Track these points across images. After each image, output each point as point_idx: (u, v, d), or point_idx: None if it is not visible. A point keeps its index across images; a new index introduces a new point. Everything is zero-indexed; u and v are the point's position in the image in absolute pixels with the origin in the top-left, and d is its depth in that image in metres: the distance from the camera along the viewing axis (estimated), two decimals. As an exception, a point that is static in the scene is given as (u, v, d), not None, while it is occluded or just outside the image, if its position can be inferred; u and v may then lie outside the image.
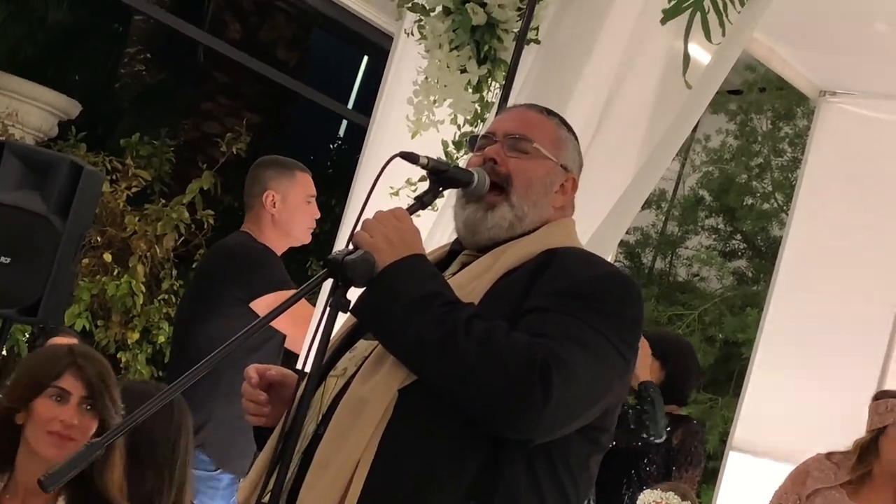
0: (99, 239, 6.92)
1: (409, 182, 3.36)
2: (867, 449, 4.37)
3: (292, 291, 2.03)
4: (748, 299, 8.54)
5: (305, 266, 8.32)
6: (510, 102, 3.27)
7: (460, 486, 1.92)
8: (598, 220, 3.29)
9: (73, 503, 2.62)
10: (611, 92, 3.47)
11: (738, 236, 9.51)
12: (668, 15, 3.33)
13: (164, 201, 7.35)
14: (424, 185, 2.18)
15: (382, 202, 2.19)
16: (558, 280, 2.03)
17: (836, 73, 5.28)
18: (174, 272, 7.10)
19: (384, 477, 1.91)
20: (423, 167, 2.11)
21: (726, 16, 3.34)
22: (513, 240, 2.15)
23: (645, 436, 4.36)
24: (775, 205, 8.97)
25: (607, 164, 3.38)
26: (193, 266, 6.52)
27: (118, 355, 6.91)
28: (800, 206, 5.45)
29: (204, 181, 7.27)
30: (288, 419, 1.96)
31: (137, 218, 7.03)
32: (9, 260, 3.36)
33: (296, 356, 3.76)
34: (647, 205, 9.05)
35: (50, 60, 9.20)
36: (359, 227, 2.02)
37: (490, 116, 3.45)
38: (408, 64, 3.72)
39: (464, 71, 3.47)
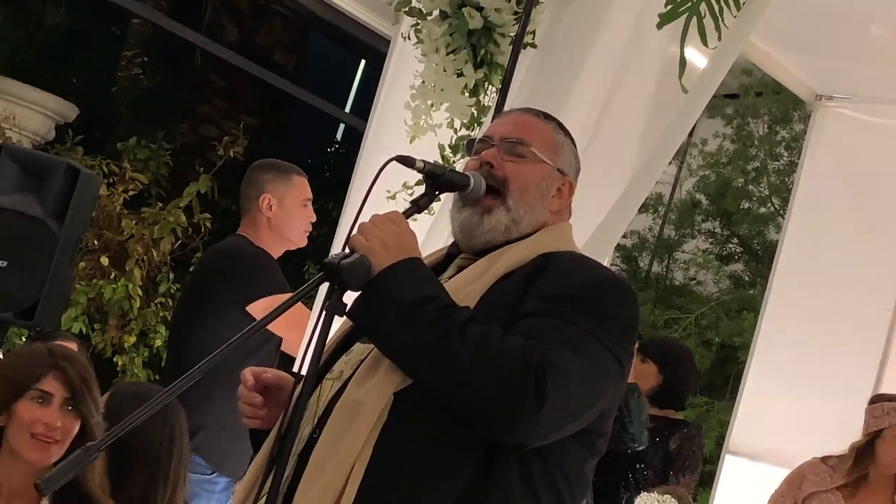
0: (96, 242, 6.92)
1: (405, 186, 3.36)
2: (863, 452, 4.38)
3: (289, 295, 2.03)
4: (744, 303, 8.55)
5: (303, 270, 8.32)
6: (507, 106, 3.28)
7: (455, 490, 1.92)
8: (595, 223, 3.30)
9: (57, 502, 2.61)
10: (607, 96, 3.47)
11: (735, 240, 9.53)
12: (665, 19, 3.33)
13: (161, 205, 7.35)
14: (421, 189, 2.19)
15: (379, 206, 2.19)
16: (554, 284, 2.03)
17: (833, 77, 5.29)
18: (171, 276, 7.10)
19: (379, 480, 1.91)
20: (420, 171, 2.11)
21: (722, 20, 3.35)
22: (509, 243, 2.15)
23: (624, 446, 4.35)
24: (772, 208, 8.99)
25: (604, 168, 3.38)
26: (190, 269, 6.52)
27: (115, 359, 6.90)
28: (796, 210, 5.46)
29: (201, 185, 7.27)
30: (284, 422, 1.96)
31: (134, 221, 7.03)
32: (5, 263, 3.35)
33: (292, 359, 3.76)
34: (643, 208, 9.07)
35: (47, 64, 9.20)
36: (355, 231, 2.02)
37: (487, 120, 3.45)
38: (405, 68, 3.73)
39: (460, 75, 3.48)
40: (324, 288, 1.99)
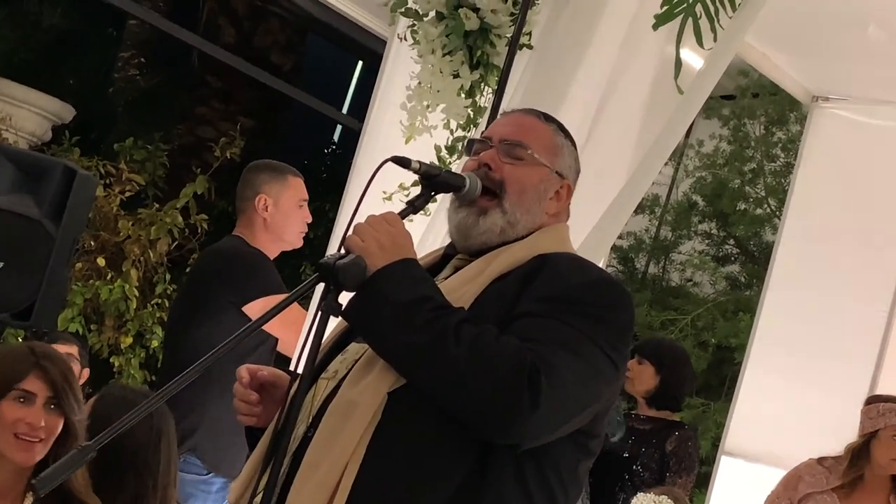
0: (92, 243, 6.92)
1: (401, 187, 3.36)
2: (859, 453, 4.39)
3: (285, 296, 2.03)
4: (741, 304, 8.55)
5: (299, 270, 8.32)
6: (502, 107, 3.28)
7: (448, 490, 1.92)
8: (591, 224, 3.30)
9: (41, 501, 2.61)
10: (603, 96, 3.48)
11: (731, 241, 9.54)
12: (660, 20, 3.34)
13: (157, 206, 7.35)
14: (417, 190, 2.19)
15: (375, 207, 2.20)
16: (549, 285, 2.03)
17: (829, 79, 5.30)
18: (168, 276, 7.10)
19: (372, 480, 1.91)
20: (415, 171, 2.11)
21: (718, 21, 3.35)
22: (505, 245, 2.15)
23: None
24: (768, 210, 9.00)
25: (599, 169, 3.38)
26: (187, 270, 6.52)
27: (111, 360, 6.90)
28: (792, 211, 5.46)
29: (198, 186, 7.27)
30: (280, 420, 1.96)
31: (131, 222, 7.03)
32: (2, 264, 3.36)
33: (288, 360, 3.76)
34: (640, 210, 9.08)
35: (44, 65, 9.20)
36: (350, 232, 2.02)
37: (482, 121, 3.46)
38: (401, 69, 3.73)
39: (456, 76, 3.48)
40: (320, 288, 2.00)
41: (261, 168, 4.13)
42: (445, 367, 1.89)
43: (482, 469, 1.94)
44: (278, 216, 4.04)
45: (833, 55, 4.97)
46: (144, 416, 2.72)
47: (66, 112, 8.44)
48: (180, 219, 7.13)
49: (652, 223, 9.71)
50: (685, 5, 3.30)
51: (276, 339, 3.92)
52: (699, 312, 8.70)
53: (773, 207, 8.91)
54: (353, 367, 2.03)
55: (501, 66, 3.41)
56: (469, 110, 3.53)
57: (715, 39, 3.39)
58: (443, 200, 2.94)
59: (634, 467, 4.67)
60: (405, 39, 3.62)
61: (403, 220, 2.08)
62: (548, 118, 2.30)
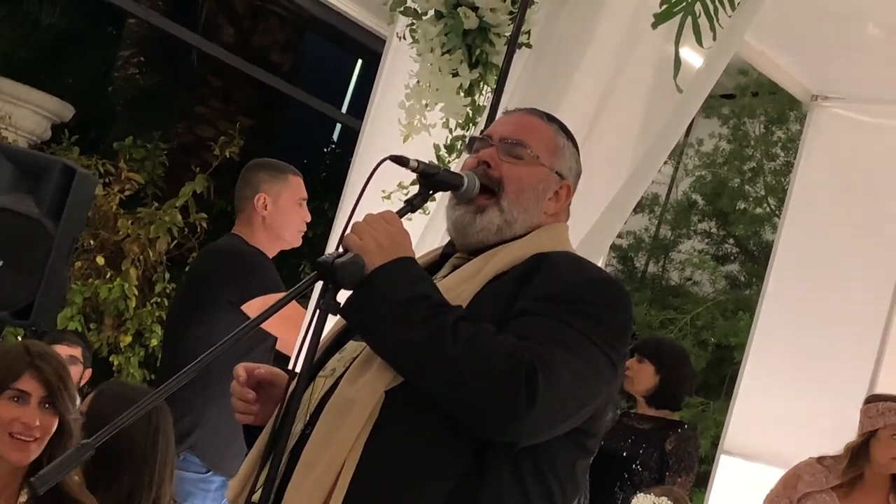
0: (92, 242, 6.93)
1: (400, 185, 3.36)
2: (858, 452, 4.38)
3: (283, 294, 2.03)
4: (740, 303, 8.55)
5: (298, 269, 8.33)
6: (501, 106, 3.28)
7: (445, 488, 1.93)
8: (590, 223, 3.30)
9: (35, 500, 2.61)
10: (602, 95, 3.48)
11: (731, 240, 9.54)
12: (660, 19, 3.34)
13: (156, 204, 7.36)
14: (416, 189, 2.19)
15: (374, 206, 2.20)
16: (547, 284, 2.03)
17: (828, 77, 5.29)
18: (167, 275, 7.10)
19: (369, 478, 1.91)
20: (413, 170, 2.11)
21: (717, 20, 3.35)
22: (503, 243, 2.15)
23: None
24: (768, 209, 9.00)
25: (599, 168, 3.38)
26: (186, 269, 6.52)
27: (111, 358, 6.91)
28: (792, 210, 5.46)
29: (197, 184, 7.28)
30: (277, 418, 1.96)
31: (130, 221, 7.04)
32: (1, 263, 3.36)
33: (287, 359, 3.76)
34: (640, 209, 9.09)
35: (43, 64, 9.21)
36: (349, 230, 2.02)
37: (481, 120, 3.46)
38: (400, 67, 3.73)
39: (455, 75, 3.48)
40: (318, 287, 2.00)
41: (260, 167, 4.12)
42: (443, 365, 1.90)
43: (479, 467, 1.94)
44: (277, 215, 4.04)
45: (832, 54, 4.97)
46: (143, 415, 2.74)
47: (65, 111, 8.44)
48: (179, 218, 7.14)
49: (651, 222, 9.71)
50: (684, 4, 3.30)
51: (275, 338, 3.92)
52: (699, 311, 8.70)
53: (772, 206, 8.91)
54: (350, 364, 2.03)
55: (500, 65, 3.41)
56: (468, 109, 3.53)
57: (714, 38, 3.39)
58: (442, 199, 2.94)
59: (634, 466, 4.66)
60: (404, 38, 3.63)
61: (402, 219, 2.08)
62: (550, 118, 2.30)
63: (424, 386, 1.94)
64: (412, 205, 2.15)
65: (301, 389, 1.94)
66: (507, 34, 3.43)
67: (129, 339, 6.89)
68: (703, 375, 8.40)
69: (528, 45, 3.48)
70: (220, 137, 7.76)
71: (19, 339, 5.94)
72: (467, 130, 3.54)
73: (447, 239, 2.29)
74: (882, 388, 4.86)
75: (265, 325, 3.37)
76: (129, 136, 8.11)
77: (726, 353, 8.36)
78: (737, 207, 9.14)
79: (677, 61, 3.36)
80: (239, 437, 2.26)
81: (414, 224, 2.49)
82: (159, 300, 6.97)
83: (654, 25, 3.35)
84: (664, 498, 4.00)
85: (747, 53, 5.00)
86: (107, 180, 7.18)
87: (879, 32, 4.54)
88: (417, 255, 2.12)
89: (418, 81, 3.52)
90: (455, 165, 3.45)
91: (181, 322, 3.99)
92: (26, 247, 3.38)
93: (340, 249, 2.00)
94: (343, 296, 1.97)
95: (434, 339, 1.90)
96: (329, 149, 12.27)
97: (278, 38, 11.07)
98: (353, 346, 2.07)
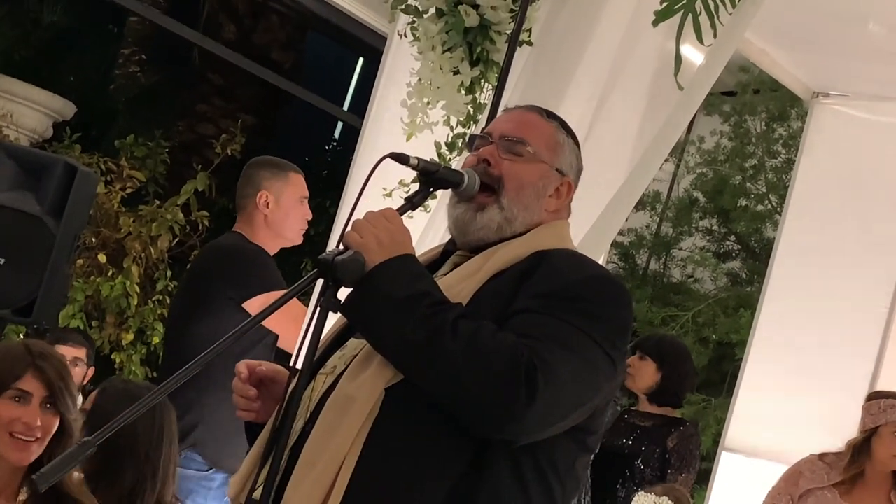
0: (93, 240, 6.93)
1: (402, 183, 3.36)
2: (859, 449, 4.39)
3: (284, 292, 2.03)
4: (742, 300, 8.55)
5: (300, 267, 8.33)
6: (502, 104, 3.28)
7: (445, 485, 1.93)
8: (591, 220, 3.30)
9: (35, 498, 2.61)
10: (603, 93, 3.48)
11: (732, 237, 9.53)
12: (660, 17, 3.34)
13: (158, 202, 7.35)
14: (417, 187, 2.19)
15: (375, 203, 2.20)
16: (547, 282, 2.03)
17: (829, 75, 5.30)
18: (169, 273, 7.10)
19: (369, 475, 1.92)
20: (414, 168, 2.11)
21: (718, 17, 3.36)
22: (503, 241, 2.15)
23: None
24: (769, 206, 9.00)
25: (599, 165, 3.38)
26: (188, 267, 6.53)
27: (112, 356, 6.91)
28: (793, 207, 5.46)
29: (198, 182, 7.28)
30: (278, 415, 1.97)
31: (132, 219, 7.04)
32: (3, 261, 3.36)
33: (289, 356, 3.76)
34: (641, 206, 9.08)
35: (45, 62, 9.22)
36: (349, 228, 2.02)
37: (483, 118, 3.46)
38: (401, 65, 3.73)
39: (456, 72, 3.48)
40: (319, 284, 2.00)
41: (262, 165, 4.13)
42: (442, 362, 1.90)
43: (479, 464, 1.94)
44: (279, 213, 4.04)
45: (833, 51, 4.97)
46: (147, 411, 2.75)
47: (67, 109, 8.45)
48: (181, 215, 7.14)
49: (653, 219, 9.71)
50: (685, 2, 3.31)
51: (276, 336, 3.92)
52: (700, 309, 8.70)
53: (773, 204, 8.91)
54: (351, 362, 2.03)
55: (501, 63, 3.41)
56: (469, 107, 3.54)
57: (715, 36, 3.39)
58: (443, 197, 2.95)
59: (636, 464, 4.67)
60: (405, 36, 3.63)
61: (402, 217, 2.08)
62: (550, 115, 2.30)
63: (424, 383, 1.94)
64: (413, 202, 2.15)
65: (302, 387, 1.94)
66: (508, 32, 3.44)
67: (130, 336, 6.89)
68: (705, 372, 8.40)
69: (529, 43, 3.48)
70: (222, 135, 7.75)
71: (21, 337, 5.95)
72: (468, 128, 3.55)
73: (448, 236, 2.29)
74: (883, 385, 4.87)
75: (266, 323, 3.40)
76: (130, 133, 8.11)
77: (727, 350, 8.36)
78: (738, 204, 9.13)
79: (678, 59, 3.37)
80: (240, 434, 2.26)
81: (415, 221, 2.50)
82: (161, 298, 6.97)
83: (655, 23, 3.36)
84: (665, 497, 3.99)
85: (748, 51, 5.00)
86: (108, 178, 7.17)
87: (880, 30, 4.54)
88: (418, 252, 2.12)
89: (420, 79, 3.52)
90: (456, 163, 3.45)
91: (182, 320, 3.99)
92: (28, 245, 3.38)
93: (341, 247, 2.00)
94: (344, 293, 1.98)
95: (434, 337, 1.90)
96: (330, 146, 12.27)
97: (279, 36, 11.07)
98: (354, 344, 2.07)
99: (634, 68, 3.52)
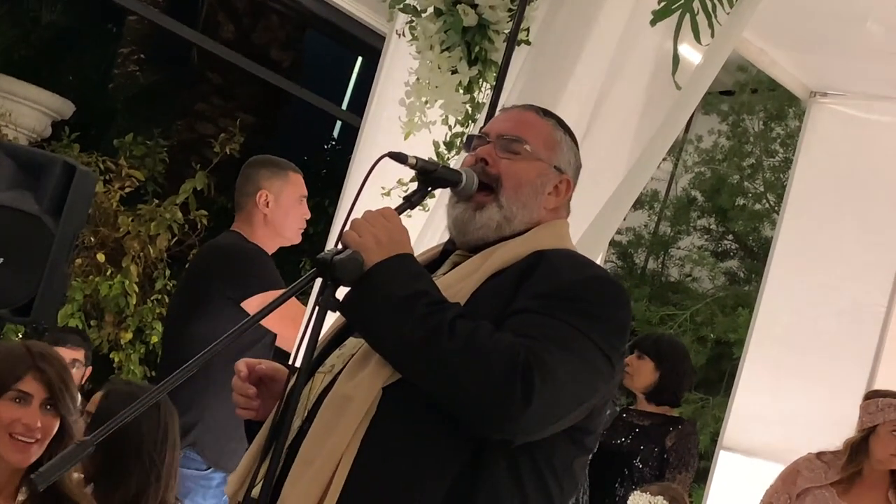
0: (92, 239, 6.92)
1: (400, 182, 3.37)
2: (857, 448, 4.40)
3: (283, 291, 2.04)
4: (740, 299, 8.55)
5: (299, 266, 8.33)
6: (500, 103, 3.29)
7: (442, 485, 1.93)
8: (589, 220, 3.31)
9: (34, 499, 2.61)
10: (601, 92, 3.48)
11: (730, 237, 9.53)
12: (658, 16, 3.35)
13: (157, 201, 7.35)
14: (415, 186, 2.20)
15: (374, 202, 2.20)
16: (545, 282, 2.03)
17: (827, 74, 5.30)
18: (167, 272, 7.10)
19: (366, 474, 1.92)
20: (412, 167, 2.11)
21: (715, 17, 3.36)
22: (503, 240, 2.16)
23: None
24: (767, 205, 8.99)
25: (597, 165, 3.38)
26: (186, 266, 6.53)
27: (111, 355, 6.90)
28: (790, 207, 5.47)
29: (197, 181, 7.28)
30: (277, 413, 1.97)
31: (131, 218, 7.03)
32: (1, 260, 3.37)
33: (287, 355, 3.77)
34: (639, 205, 9.08)
35: (43, 61, 9.22)
36: (348, 227, 2.02)
37: (481, 117, 3.46)
38: (399, 65, 3.74)
39: (455, 72, 3.49)
40: (318, 283, 2.00)
41: (261, 164, 4.13)
42: (439, 362, 1.90)
43: (477, 464, 1.94)
44: (279, 212, 4.04)
45: (831, 51, 4.97)
46: (152, 411, 2.76)
47: (65, 108, 8.45)
48: (180, 215, 7.14)
49: (651, 218, 9.70)
50: (682, 1, 3.31)
51: (275, 335, 3.93)
52: (698, 308, 8.69)
53: (771, 203, 8.91)
54: (349, 361, 2.03)
55: (500, 62, 3.41)
56: (467, 106, 3.54)
57: (712, 35, 3.40)
58: (441, 196, 2.95)
59: (634, 463, 4.67)
60: (404, 35, 3.63)
61: (401, 216, 2.09)
62: (546, 113, 2.30)
63: (421, 383, 1.94)
64: (411, 201, 2.15)
65: (300, 385, 1.95)
66: (506, 31, 3.44)
67: (129, 335, 6.88)
68: (703, 371, 8.40)
69: (528, 42, 3.49)
70: (221, 134, 7.75)
71: (20, 336, 5.95)
72: (467, 127, 3.55)
73: (447, 235, 2.29)
74: (881, 384, 4.87)
75: (265, 322, 3.40)
76: (129, 133, 8.11)
77: (725, 350, 8.35)
78: (736, 204, 9.13)
79: (676, 58, 3.38)
80: (239, 433, 2.26)
81: (413, 221, 2.50)
82: (160, 297, 6.97)
83: (653, 23, 3.36)
84: (660, 497, 3.99)
85: (746, 50, 5.01)
86: (107, 177, 7.17)
87: (878, 29, 4.54)
88: (417, 252, 2.13)
89: (418, 78, 3.52)
90: (454, 162, 3.46)
91: (181, 319, 3.99)
92: (27, 244, 3.39)
93: (340, 246, 2.01)
94: (342, 292, 1.98)
95: (431, 336, 1.90)
96: (329, 145, 12.27)
97: (278, 35, 11.07)
98: (352, 342, 2.08)
99: (632, 68, 3.52)
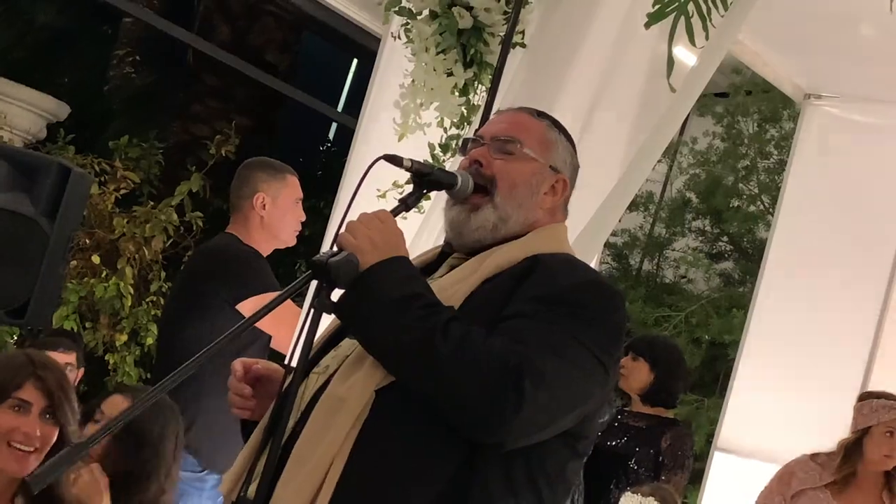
0: (87, 241, 6.92)
1: (395, 184, 3.37)
2: (851, 449, 4.41)
3: (278, 293, 2.04)
4: (734, 301, 8.55)
5: (294, 268, 8.33)
6: (496, 105, 3.29)
7: (434, 489, 1.93)
8: (584, 221, 3.31)
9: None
10: (596, 94, 3.49)
11: (725, 238, 9.53)
12: (653, 19, 3.35)
13: (152, 203, 7.34)
14: (411, 188, 2.20)
15: (369, 204, 2.21)
16: (540, 286, 2.03)
17: (821, 76, 5.31)
18: (163, 274, 7.09)
19: (357, 476, 1.92)
20: (407, 169, 2.12)
21: (710, 19, 3.37)
22: (498, 241, 2.16)
23: None
24: (761, 207, 9.00)
25: (593, 166, 3.38)
26: (181, 268, 6.52)
27: (106, 357, 6.90)
28: (784, 208, 5.48)
29: (193, 183, 7.27)
30: (272, 413, 1.98)
31: (126, 220, 7.02)
32: (-4, 262, 3.36)
33: (282, 357, 3.77)
34: (634, 207, 9.08)
35: (39, 63, 9.21)
36: (343, 229, 2.03)
37: (476, 119, 3.47)
38: (395, 67, 3.74)
39: (450, 74, 3.49)
40: (314, 285, 2.01)
41: (258, 166, 4.12)
42: (432, 365, 1.89)
43: (469, 467, 1.94)
44: (276, 214, 4.04)
45: (825, 53, 4.98)
46: (171, 416, 2.77)
47: (61, 110, 8.44)
48: (175, 216, 7.13)
49: (646, 220, 9.70)
50: (677, 4, 3.31)
51: (270, 337, 3.93)
52: (693, 309, 8.69)
53: (766, 204, 8.91)
54: (344, 362, 2.03)
55: (495, 65, 3.42)
56: (463, 108, 3.55)
57: (707, 38, 3.40)
58: (437, 198, 2.96)
59: (629, 464, 4.67)
60: (399, 38, 3.63)
61: (396, 218, 2.09)
62: (541, 114, 2.30)
63: (413, 386, 1.94)
64: (406, 204, 2.15)
65: (296, 385, 1.95)
66: (502, 34, 3.45)
67: (124, 337, 6.87)
68: (698, 373, 8.41)
69: (523, 45, 3.49)
70: (216, 136, 7.74)
71: (14, 338, 5.95)
72: (462, 130, 3.55)
73: (442, 238, 2.29)
74: (875, 386, 4.89)
75: (260, 325, 3.40)
76: (124, 134, 8.08)
77: (720, 351, 8.35)
78: (730, 205, 9.12)
79: (670, 61, 3.38)
80: (234, 436, 2.27)
81: (409, 223, 2.50)
82: (155, 299, 6.96)
83: (648, 25, 3.36)
84: (651, 497, 3.99)
85: (741, 53, 5.02)
86: (102, 179, 7.16)
87: (871, 31, 4.56)
88: (413, 254, 2.13)
89: (413, 81, 3.52)
90: (450, 164, 3.46)
91: (176, 321, 3.99)
92: (21, 246, 3.38)
93: (335, 248, 2.01)
94: (338, 295, 1.98)
95: (424, 339, 1.90)
96: (325, 147, 12.26)
97: (274, 37, 11.05)
98: (348, 344, 2.08)
99: (627, 70, 3.53)
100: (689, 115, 4.54)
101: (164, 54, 11.07)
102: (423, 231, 3.31)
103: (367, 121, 3.87)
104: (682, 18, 3.33)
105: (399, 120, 3.54)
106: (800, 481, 4.48)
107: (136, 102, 10.21)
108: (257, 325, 2.35)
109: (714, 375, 8.47)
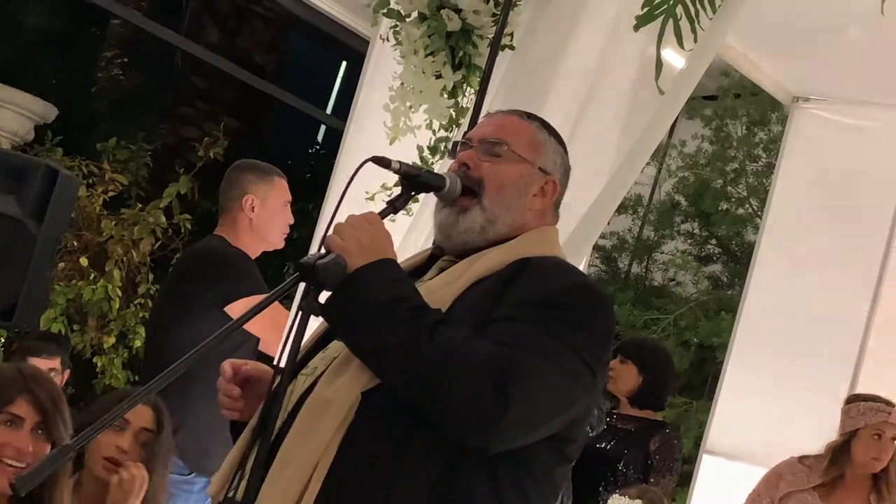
0: (75, 243, 6.90)
1: (384, 187, 3.37)
2: (839, 452, 4.42)
3: (266, 295, 2.04)
4: (723, 303, 8.56)
5: (283, 270, 8.32)
6: (484, 108, 3.29)
7: (419, 492, 1.92)
8: (572, 224, 3.31)
9: None
10: (584, 97, 3.48)
11: (714, 241, 9.54)
12: (641, 21, 3.35)
13: (140, 206, 7.33)
14: (399, 190, 2.20)
15: (357, 207, 2.20)
16: (529, 290, 2.02)
17: (809, 79, 5.33)
18: (151, 276, 7.08)
19: (343, 478, 1.91)
20: (395, 172, 2.12)
21: (698, 22, 3.37)
22: (488, 244, 2.15)
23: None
24: (750, 210, 9.01)
25: (581, 169, 3.38)
26: (170, 270, 6.51)
27: (94, 359, 6.88)
28: (773, 211, 5.49)
29: (181, 185, 7.27)
30: (260, 414, 1.97)
31: (114, 222, 7.01)
32: (-17, 264, 3.35)
33: (271, 359, 3.76)
34: (623, 210, 9.09)
35: (27, 64, 9.19)
36: (331, 231, 2.02)
37: (465, 122, 3.46)
38: (383, 69, 3.73)
39: (439, 76, 3.48)
40: (302, 287, 2.00)
41: (247, 168, 4.12)
42: (417, 368, 1.89)
43: (454, 470, 1.94)
44: (264, 217, 4.03)
45: (813, 56, 4.99)
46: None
47: (48, 112, 8.41)
48: (163, 219, 7.12)
49: (635, 223, 9.70)
50: (665, 6, 3.31)
51: (258, 340, 3.92)
52: (681, 312, 8.69)
53: (754, 207, 8.93)
54: (331, 364, 2.03)
55: (483, 67, 3.41)
56: (451, 111, 3.54)
57: (695, 40, 3.41)
58: (426, 200, 2.95)
59: (618, 467, 4.68)
60: (388, 40, 3.63)
61: (384, 220, 2.09)
62: (530, 116, 2.30)
63: (399, 388, 1.93)
64: (395, 206, 2.15)
65: (284, 387, 1.95)
66: (490, 36, 3.44)
67: (112, 340, 6.86)
68: (686, 375, 8.42)
69: (511, 47, 3.49)
70: (205, 138, 7.73)
71: (1, 340, 5.93)
72: (451, 132, 3.55)
73: (431, 240, 2.29)
74: (863, 388, 4.89)
75: (248, 327, 3.39)
76: (112, 137, 8.07)
77: (709, 353, 8.36)
78: (719, 208, 9.14)
79: (659, 63, 3.38)
80: (222, 438, 2.26)
81: (397, 225, 2.50)
82: (143, 301, 6.95)
83: (636, 27, 3.37)
84: (639, 500, 3.99)
85: (729, 55, 5.03)
86: (90, 181, 7.15)
87: (860, 35, 4.57)
88: (403, 256, 2.12)
89: (402, 83, 3.52)
90: (439, 167, 3.46)
91: (164, 323, 3.98)
92: (8, 248, 3.36)
93: (323, 250, 2.01)
94: (326, 297, 1.98)
95: (410, 342, 1.89)
96: (313, 150, 12.25)
97: (262, 39, 11.05)
98: (336, 345, 2.07)
99: (616, 72, 3.52)
100: (677, 118, 4.55)
101: (152, 56, 11.05)
102: (412, 233, 3.31)
103: (356, 123, 3.87)
104: (671, 21, 3.33)
105: (388, 122, 3.54)
106: (788, 483, 4.49)
107: (125, 104, 10.19)
108: (245, 327, 2.34)
109: (702, 378, 8.48)
